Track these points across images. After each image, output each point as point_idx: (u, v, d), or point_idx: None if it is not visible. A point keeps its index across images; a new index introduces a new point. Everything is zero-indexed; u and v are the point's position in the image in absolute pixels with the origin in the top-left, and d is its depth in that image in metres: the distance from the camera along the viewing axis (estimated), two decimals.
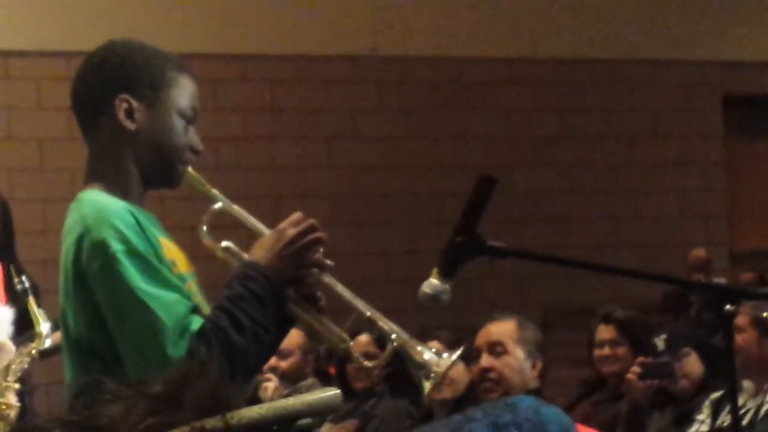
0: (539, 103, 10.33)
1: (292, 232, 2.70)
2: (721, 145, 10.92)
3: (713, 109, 10.88)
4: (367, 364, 3.51)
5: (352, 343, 2.84)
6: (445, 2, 10.08)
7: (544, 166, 10.28)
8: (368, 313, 2.73)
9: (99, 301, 2.60)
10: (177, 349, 2.54)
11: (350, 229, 9.23)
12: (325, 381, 6.02)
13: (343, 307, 2.77)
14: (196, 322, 2.59)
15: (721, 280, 8.90)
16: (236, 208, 2.82)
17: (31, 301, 3.13)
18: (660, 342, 5.04)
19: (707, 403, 4.75)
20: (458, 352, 2.75)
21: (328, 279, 2.73)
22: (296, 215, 2.73)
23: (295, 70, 9.71)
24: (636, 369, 4.93)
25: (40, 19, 8.90)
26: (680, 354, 4.99)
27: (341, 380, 5.85)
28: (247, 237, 2.80)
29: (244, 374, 2.64)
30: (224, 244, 2.80)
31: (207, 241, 2.80)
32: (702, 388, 4.92)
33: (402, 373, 5.01)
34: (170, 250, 2.71)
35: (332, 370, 6.27)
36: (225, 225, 2.88)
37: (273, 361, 5.32)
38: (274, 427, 1.33)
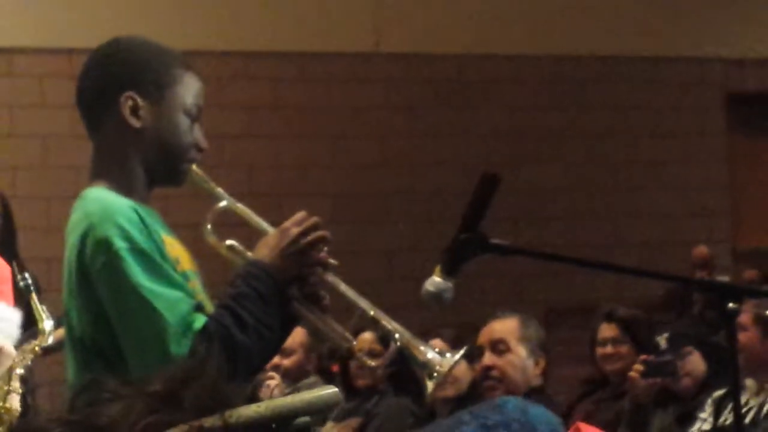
0: (542, 101, 10.32)
1: (295, 230, 2.70)
2: (724, 143, 10.90)
3: (716, 106, 10.86)
4: (371, 363, 3.51)
5: (355, 343, 2.84)
6: None
7: (547, 164, 10.27)
8: (371, 312, 2.73)
9: (102, 299, 2.60)
10: (180, 347, 2.54)
11: (353, 226, 9.23)
12: (328, 379, 6.02)
13: (347, 306, 2.77)
14: (200, 320, 2.59)
15: (724, 278, 8.88)
16: (240, 207, 2.82)
17: (34, 298, 3.13)
18: (662, 340, 5.04)
19: (710, 401, 4.75)
20: (461, 352, 2.75)
21: (331, 278, 2.74)
22: (300, 214, 2.73)
23: (298, 68, 9.71)
24: (638, 367, 4.92)
25: (43, 16, 8.90)
26: (683, 352, 4.98)
27: (344, 378, 5.85)
28: (251, 235, 2.80)
29: (247, 372, 2.64)
30: (228, 242, 2.80)
31: (211, 239, 2.80)
32: (705, 386, 4.91)
33: (405, 371, 5.01)
34: (174, 247, 2.71)
35: (335, 368, 6.26)
36: (229, 223, 2.88)
37: (276, 359, 5.31)
38: (273, 426, 1.32)
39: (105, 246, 2.58)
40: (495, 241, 2.65)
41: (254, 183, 9.10)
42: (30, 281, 3.19)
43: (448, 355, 2.70)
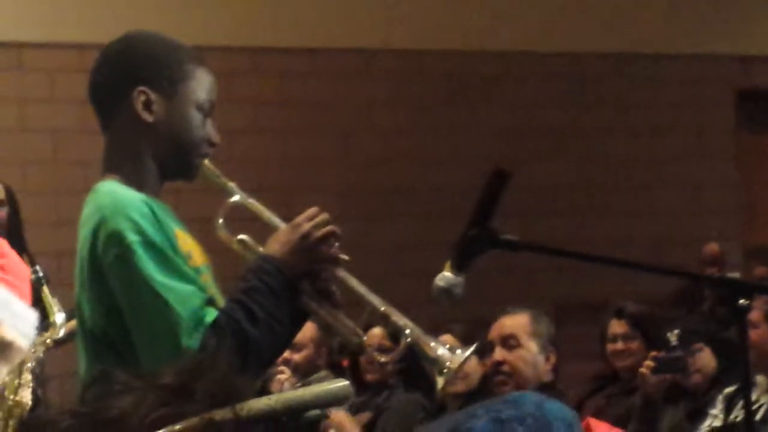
0: (552, 97, 10.30)
1: (307, 226, 2.70)
2: (734, 140, 10.89)
3: (726, 103, 10.85)
4: (381, 358, 3.51)
5: (365, 338, 2.84)
6: None
7: (557, 159, 10.25)
8: (382, 308, 2.73)
9: (114, 292, 2.61)
10: (191, 341, 2.54)
11: (362, 222, 9.22)
12: (339, 374, 6.01)
13: (357, 301, 2.77)
14: (211, 314, 2.59)
15: (734, 275, 8.87)
16: (252, 201, 2.82)
17: (46, 291, 3.14)
18: (673, 336, 5.03)
19: (720, 397, 4.74)
20: (472, 348, 2.75)
21: (342, 273, 2.74)
22: (312, 210, 2.74)
23: (307, 63, 9.70)
24: (649, 363, 4.92)
25: (53, 10, 8.90)
26: (693, 349, 4.98)
27: (354, 373, 5.85)
28: (262, 230, 2.80)
29: (258, 366, 2.64)
30: (240, 237, 2.80)
31: (223, 233, 2.80)
32: (715, 382, 4.91)
33: (415, 366, 5.01)
34: (186, 242, 2.71)
35: (345, 363, 6.27)
36: (241, 218, 2.87)
37: (286, 353, 5.31)
38: (284, 418, 1.32)
39: (117, 239, 2.58)
40: (505, 236, 2.64)
41: (263, 178, 9.10)
42: (41, 274, 3.20)
43: (458, 350, 2.70)
